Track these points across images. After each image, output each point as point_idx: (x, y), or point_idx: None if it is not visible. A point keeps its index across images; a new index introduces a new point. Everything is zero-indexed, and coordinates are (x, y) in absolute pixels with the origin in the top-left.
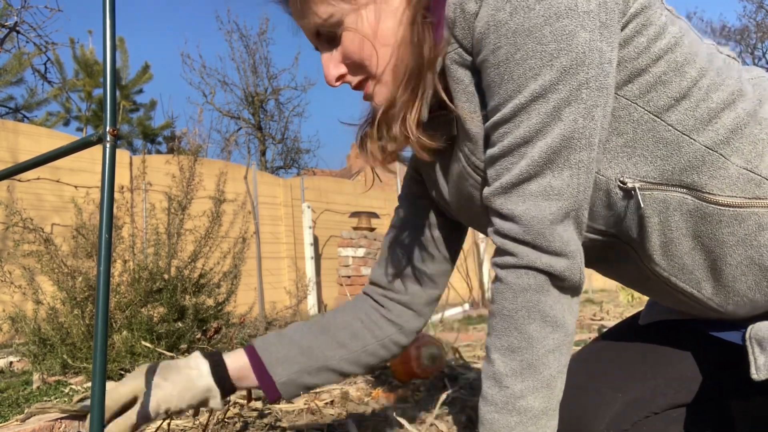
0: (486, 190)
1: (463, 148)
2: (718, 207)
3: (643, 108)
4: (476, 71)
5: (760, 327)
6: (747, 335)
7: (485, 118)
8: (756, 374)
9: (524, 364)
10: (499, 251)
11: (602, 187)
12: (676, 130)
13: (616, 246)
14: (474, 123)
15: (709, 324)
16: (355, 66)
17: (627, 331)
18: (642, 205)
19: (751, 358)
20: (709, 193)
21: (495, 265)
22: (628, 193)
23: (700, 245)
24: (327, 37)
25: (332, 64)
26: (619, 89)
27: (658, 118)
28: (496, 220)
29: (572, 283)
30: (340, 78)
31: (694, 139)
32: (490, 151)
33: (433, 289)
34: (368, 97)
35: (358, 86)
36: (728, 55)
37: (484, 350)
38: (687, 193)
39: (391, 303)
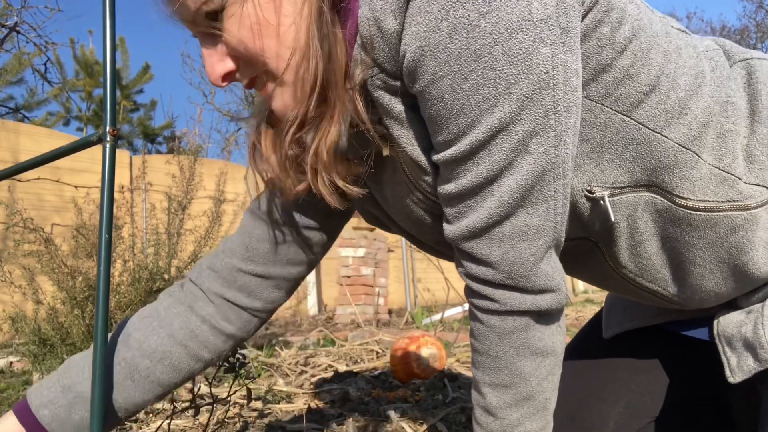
0: (449, 230)
1: (408, 174)
2: (689, 211)
3: (610, 108)
4: (408, 95)
5: (726, 324)
6: (715, 332)
7: (429, 147)
8: (731, 377)
9: (519, 397)
10: (475, 293)
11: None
12: (647, 128)
13: (579, 246)
14: (416, 152)
15: (676, 323)
16: (246, 61)
17: (598, 344)
18: (612, 216)
19: (724, 359)
20: (679, 196)
21: (473, 306)
22: (596, 203)
23: (668, 246)
24: (207, 26)
25: (216, 58)
26: (582, 90)
27: (627, 117)
28: (468, 263)
29: (558, 309)
30: (228, 76)
31: (666, 137)
32: (445, 188)
33: (287, 294)
34: (267, 99)
35: (251, 85)
36: (679, 29)
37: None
38: (657, 193)
39: (236, 311)
